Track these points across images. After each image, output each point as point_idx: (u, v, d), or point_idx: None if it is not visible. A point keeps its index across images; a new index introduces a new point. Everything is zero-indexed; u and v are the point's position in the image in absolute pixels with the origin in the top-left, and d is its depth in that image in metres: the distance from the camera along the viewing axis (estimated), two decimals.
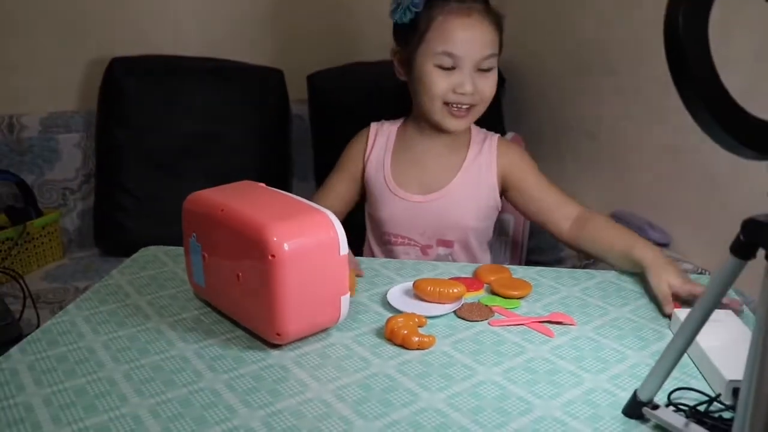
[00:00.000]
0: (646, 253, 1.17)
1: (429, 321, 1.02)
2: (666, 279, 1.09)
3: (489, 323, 1.02)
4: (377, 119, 1.49)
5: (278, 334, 0.91)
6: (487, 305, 1.07)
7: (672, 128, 1.54)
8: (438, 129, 1.36)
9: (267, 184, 1.05)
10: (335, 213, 1.31)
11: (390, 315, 1.02)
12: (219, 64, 2.11)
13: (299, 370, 0.89)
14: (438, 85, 1.29)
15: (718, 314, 0.92)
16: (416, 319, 1.00)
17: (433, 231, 1.39)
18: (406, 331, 0.95)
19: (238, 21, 2.24)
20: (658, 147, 1.61)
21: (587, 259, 1.60)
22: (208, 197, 1.00)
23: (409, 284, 1.10)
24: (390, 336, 0.96)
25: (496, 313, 1.05)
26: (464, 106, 1.31)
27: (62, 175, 2.09)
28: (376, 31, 2.26)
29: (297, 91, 2.18)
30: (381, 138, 1.43)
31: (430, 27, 1.28)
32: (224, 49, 2.18)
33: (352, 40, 2.32)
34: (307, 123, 2.20)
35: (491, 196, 1.40)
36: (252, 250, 0.89)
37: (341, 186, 1.43)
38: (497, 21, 1.31)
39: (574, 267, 1.62)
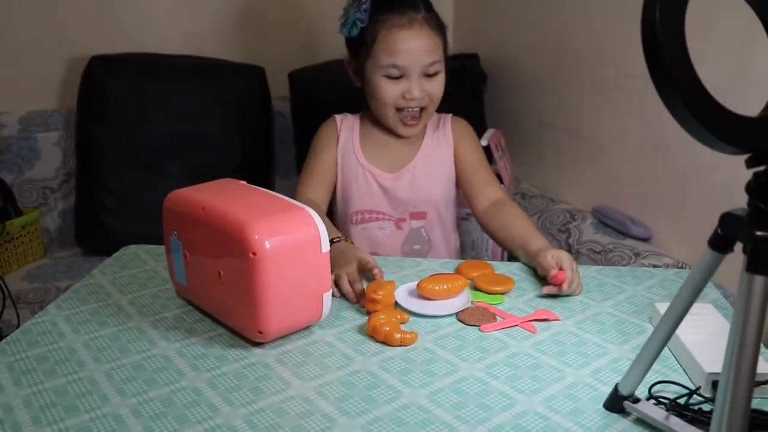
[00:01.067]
0: (539, 243, 1.22)
1: (413, 318, 1.03)
2: (552, 254, 1.13)
3: (479, 329, 1.00)
4: None
5: (260, 332, 0.91)
6: (489, 311, 1.05)
7: (652, 124, 1.55)
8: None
9: (248, 182, 1.05)
10: (328, 194, 1.41)
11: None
12: (200, 61, 2.09)
13: (281, 368, 0.89)
14: (388, 93, 1.37)
15: (697, 308, 0.93)
16: (398, 316, 1.00)
17: (405, 204, 1.46)
18: (388, 328, 0.95)
19: (219, 18, 2.23)
20: (639, 143, 1.62)
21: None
22: (189, 195, 1.00)
23: (413, 285, 1.10)
24: (372, 333, 0.96)
25: (497, 317, 1.04)
26: (415, 110, 1.39)
27: (42, 174, 2.07)
28: None
29: (278, 89, 2.17)
30: (346, 124, 1.49)
31: (375, 41, 1.35)
32: (205, 47, 2.16)
33: (333, 36, 2.30)
34: (288, 120, 2.19)
35: (450, 167, 1.48)
36: (233, 248, 0.88)
37: (326, 167, 1.46)
38: (440, 26, 1.38)
39: None
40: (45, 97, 2.12)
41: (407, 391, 0.84)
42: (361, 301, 1.07)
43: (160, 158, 1.97)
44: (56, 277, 1.87)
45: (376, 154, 1.47)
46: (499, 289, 1.12)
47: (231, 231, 0.89)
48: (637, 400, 0.78)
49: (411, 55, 1.33)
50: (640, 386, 0.77)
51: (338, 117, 1.52)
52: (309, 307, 0.95)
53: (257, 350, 0.93)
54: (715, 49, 1.33)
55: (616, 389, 0.79)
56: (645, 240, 1.59)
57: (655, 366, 0.77)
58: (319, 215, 0.94)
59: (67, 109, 2.08)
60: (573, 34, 1.82)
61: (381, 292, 1.03)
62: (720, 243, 0.63)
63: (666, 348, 0.83)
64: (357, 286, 1.08)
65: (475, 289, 1.13)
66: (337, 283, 1.09)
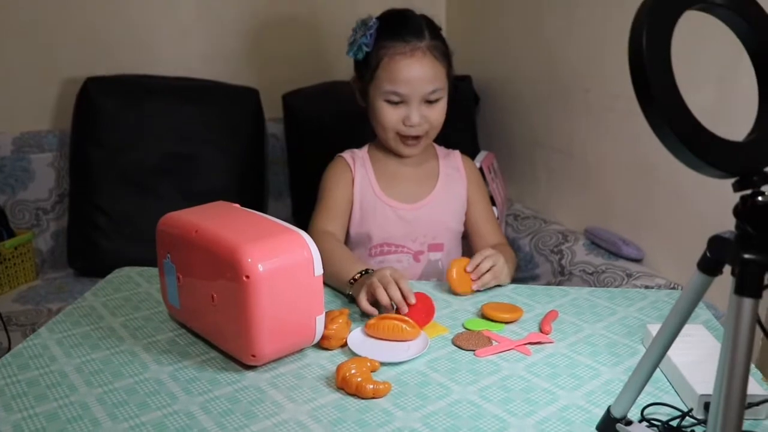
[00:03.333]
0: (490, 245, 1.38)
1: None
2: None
3: (475, 354, 1.00)
4: (352, 138, 1.55)
5: (253, 356, 0.91)
6: (484, 335, 1.04)
7: (644, 145, 1.56)
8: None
9: (242, 204, 1.05)
10: (343, 228, 1.43)
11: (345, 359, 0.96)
12: (194, 83, 2.10)
13: (275, 392, 0.89)
14: (388, 118, 1.40)
15: (688, 329, 0.94)
16: (368, 363, 0.92)
17: (424, 236, 1.47)
18: (360, 379, 0.88)
19: (213, 41, 2.24)
20: (631, 163, 1.63)
21: (561, 276, 1.62)
22: (183, 218, 1.00)
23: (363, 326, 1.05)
24: (342, 385, 0.89)
25: (494, 342, 1.03)
26: (414, 135, 1.41)
27: (35, 195, 2.06)
28: None
29: (272, 111, 2.18)
30: (358, 162, 1.49)
31: (378, 66, 1.38)
32: (199, 69, 2.17)
33: (327, 59, 2.33)
34: (282, 142, 2.20)
35: (464, 202, 1.52)
36: (226, 271, 0.89)
37: (340, 202, 1.45)
38: (444, 53, 1.41)
39: (548, 284, 1.64)
40: (39, 118, 2.12)
41: (400, 414, 0.84)
42: (402, 308, 1.08)
43: (153, 180, 1.97)
44: (48, 299, 1.86)
45: (394, 186, 1.48)
46: (506, 317, 1.10)
47: (224, 254, 0.89)
48: (629, 423, 0.78)
49: (411, 84, 1.36)
50: (632, 408, 0.78)
51: (346, 155, 1.51)
52: (302, 330, 0.95)
53: (250, 373, 0.93)
54: (702, 74, 1.35)
55: (608, 412, 0.79)
56: (637, 261, 1.59)
57: (647, 388, 0.77)
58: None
59: (61, 130, 2.08)
60: (565, 56, 1.84)
61: (333, 327, 0.99)
62: (709, 265, 0.63)
63: (658, 369, 0.84)
64: (394, 293, 1.08)
65: (483, 316, 1.12)
66: (374, 296, 1.09)
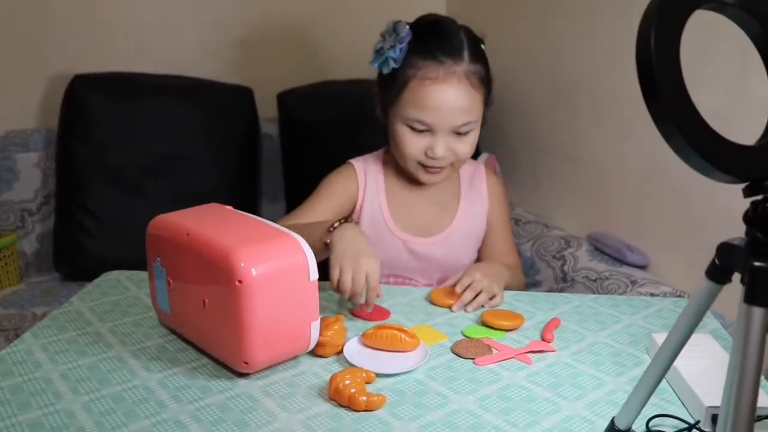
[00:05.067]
0: (483, 265, 1.30)
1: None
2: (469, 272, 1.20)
3: (474, 362, 1.00)
4: (350, 140, 1.49)
5: (246, 363, 0.90)
6: (484, 343, 1.04)
7: (650, 148, 1.56)
8: None
9: (235, 207, 1.05)
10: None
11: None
12: (186, 81, 2.10)
13: (268, 400, 0.88)
14: (409, 146, 1.27)
15: (696, 338, 0.94)
16: (363, 374, 0.92)
17: (434, 271, 1.40)
18: (353, 390, 0.87)
19: (206, 37, 2.24)
20: (637, 167, 1.63)
21: (564, 282, 1.62)
22: (174, 220, 1.00)
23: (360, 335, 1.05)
24: (334, 396, 0.88)
25: (494, 350, 1.03)
26: (438, 167, 1.30)
27: (20, 196, 2.06)
28: (346, 48, 2.29)
29: (267, 110, 2.18)
30: (370, 178, 1.38)
31: (405, 88, 1.24)
32: (191, 67, 2.17)
33: (324, 57, 2.33)
34: (277, 142, 2.20)
35: (483, 228, 1.44)
36: (218, 276, 0.88)
37: (327, 214, 1.33)
38: (483, 80, 1.27)
39: (550, 290, 1.64)
40: (25, 116, 2.12)
41: (397, 424, 0.84)
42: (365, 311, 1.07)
43: (143, 181, 1.97)
44: (33, 303, 1.85)
45: (407, 215, 1.38)
46: (507, 324, 1.10)
47: (216, 258, 0.89)
48: None
49: (440, 114, 1.23)
50: (637, 420, 0.77)
51: (357, 166, 1.39)
52: (296, 337, 0.94)
53: (242, 381, 0.93)
54: (712, 76, 1.35)
55: (612, 423, 0.79)
56: (642, 268, 1.59)
57: (652, 399, 0.77)
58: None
59: (47, 128, 2.08)
60: (569, 57, 1.85)
61: (328, 333, 0.99)
62: (717, 273, 0.63)
63: (664, 380, 0.84)
64: (370, 295, 1.07)
65: (483, 324, 1.12)
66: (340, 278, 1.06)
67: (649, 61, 0.53)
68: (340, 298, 1.14)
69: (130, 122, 1.98)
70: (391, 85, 1.27)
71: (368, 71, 1.34)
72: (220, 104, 2.08)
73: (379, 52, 1.27)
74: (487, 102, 1.31)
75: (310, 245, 0.95)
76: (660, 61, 0.52)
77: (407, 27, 1.25)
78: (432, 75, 1.22)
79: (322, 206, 1.35)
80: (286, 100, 2.14)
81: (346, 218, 1.17)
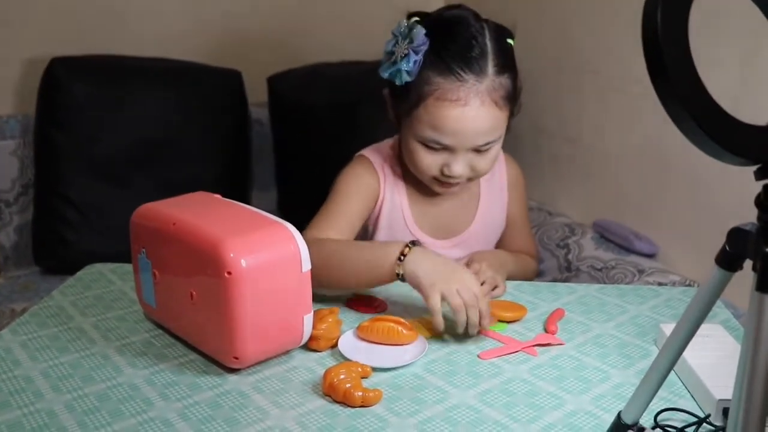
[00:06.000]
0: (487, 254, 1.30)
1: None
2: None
3: (479, 356, 1.00)
4: (345, 125, 1.46)
5: (236, 358, 0.91)
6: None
7: (658, 132, 1.56)
8: None
9: (224, 195, 1.05)
10: (352, 237, 1.26)
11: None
12: (171, 64, 2.09)
13: (259, 396, 0.89)
14: (424, 163, 1.22)
15: (706, 329, 0.94)
16: (359, 369, 0.92)
17: None
18: (348, 385, 0.87)
19: (192, 19, 2.23)
20: (644, 151, 1.63)
21: (568, 272, 1.62)
22: (159, 210, 1.00)
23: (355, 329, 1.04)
24: (329, 391, 0.88)
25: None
26: (455, 183, 1.25)
27: None
28: (338, 30, 2.28)
29: (256, 94, 2.17)
30: (388, 173, 1.33)
31: (420, 104, 1.17)
32: (176, 49, 2.16)
33: (316, 38, 2.32)
34: (267, 128, 2.20)
35: (502, 223, 1.44)
36: (207, 267, 0.88)
37: (355, 218, 1.29)
38: (509, 95, 1.20)
39: (554, 280, 1.64)
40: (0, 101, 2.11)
41: (394, 420, 0.84)
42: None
43: (127, 169, 1.96)
44: (12, 299, 1.85)
45: (427, 216, 1.35)
46: (508, 315, 1.10)
47: (204, 248, 0.89)
48: (641, 429, 0.78)
49: (459, 137, 1.16)
50: (644, 414, 0.78)
51: (374, 160, 1.33)
52: (289, 331, 0.95)
53: (233, 377, 0.93)
54: (722, 54, 1.35)
55: (618, 418, 0.79)
56: (650, 256, 1.59)
57: (660, 392, 0.77)
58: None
59: (24, 114, 2.07)
60: (572, 35, 1.84)
61: (322, 326, 0.99)
62: (728, 260, 0.63)
63: (672, 372, 0.84)
64: (473, 316, 1.01)
65: None
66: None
67: (655, 37, 0.52)
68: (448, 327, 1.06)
69: (113, 108, 1.97)
70: (403, 97, 1.20)
71: (363, 53, 1.31)
72: (208, 88, 2.07)
73: (390, 56, 1.18)
74: (513, 113, 1.25)
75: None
76: (667, 37, 0.52)
77: (423, 33, 1.14)
78: (451, 96, 1.14)
79: (353, 206, 1.28)
80: (276, 83, 2.13)
81: (409, 243, 1.08)
